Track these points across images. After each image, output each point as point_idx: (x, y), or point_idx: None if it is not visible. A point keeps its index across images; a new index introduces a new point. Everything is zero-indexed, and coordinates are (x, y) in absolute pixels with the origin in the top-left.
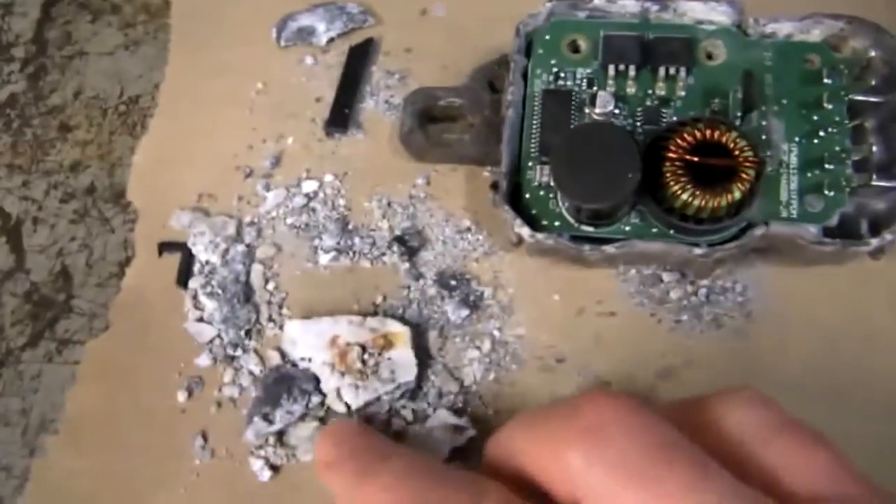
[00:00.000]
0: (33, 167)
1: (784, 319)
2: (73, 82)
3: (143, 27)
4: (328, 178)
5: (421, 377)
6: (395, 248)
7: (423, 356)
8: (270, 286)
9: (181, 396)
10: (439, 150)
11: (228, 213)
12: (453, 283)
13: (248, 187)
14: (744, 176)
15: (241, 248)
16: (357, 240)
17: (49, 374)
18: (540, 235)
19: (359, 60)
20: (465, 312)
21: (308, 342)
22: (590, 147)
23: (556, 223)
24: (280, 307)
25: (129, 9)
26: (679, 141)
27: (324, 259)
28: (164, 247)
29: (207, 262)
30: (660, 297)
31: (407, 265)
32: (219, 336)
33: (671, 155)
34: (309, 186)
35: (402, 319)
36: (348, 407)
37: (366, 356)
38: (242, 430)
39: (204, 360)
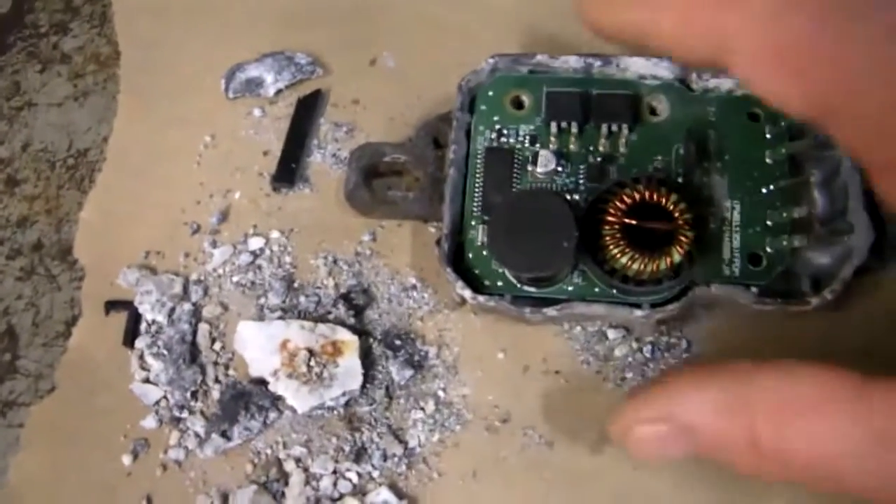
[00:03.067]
0: None
1: None
2: (21, 134)
3: (93, 77)
4: (274, 234)
5: (364, 443)
6: (340, 306)
7: (368, 415)
8: (217, 346)
9: (126, 460)
10: (384, 207)
11: (175, 271)
12: (398, 342)
13: (194, 244)
14: (682, 239)
15: (187, 306)
16: (302, 298)
17: None
18: (481, 298)
19: (306, 113)
20: (409, 373)
21: (258, 344)
22: (526, 215)
23: (499, 283)
24: (226, 368)
25: (78, 58)
26: (618, 203)
27: (269, 318)
28: (111, 305)
29: (154, 322)
30: (605, 354)
31: (353, 322)
32: (165, 397)
33: (610, 218)
34: (255, 243)
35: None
36: (294, 411)
37: (313, 361)
38: (188, 495)
39: (150, 423)
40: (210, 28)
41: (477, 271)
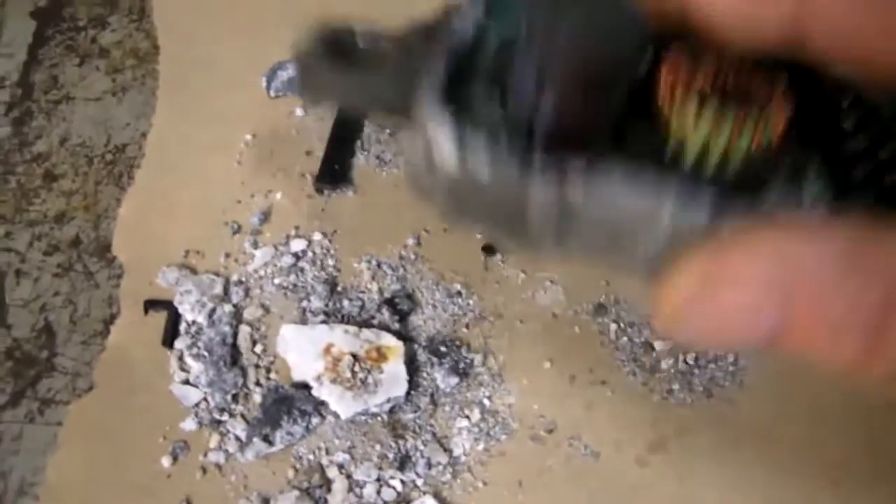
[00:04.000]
0: (17, 217)
1: (778, 389)
2: (58, 129)
3: (132, 72)
4: (317, 236)
5: (408, 448)
6: (384, 311)
7: (414, 422)
8: (258, 349)
9: (166, 462)
10: (344, 85)
11: (216, 271)
12: (443, 349)
13: (235, 244)
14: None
15: (228, 308)
16: (346, 302)
17: (30, 436)
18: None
19: (350, 114)
20: (454, 380)
21: (301, 347)
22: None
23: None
24: (268, 371)
25: (117, 53)
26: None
27: (312, 321)
28: (150, 305)
29: (194, 322)
30: (651, 365)
31: (397, 328)
32: (205, 399)
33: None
34: (297, 245)
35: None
36: (337, 416)
37: (357, 367)
38: (229, 499)
39: (189, 425)
40: (251, 23)
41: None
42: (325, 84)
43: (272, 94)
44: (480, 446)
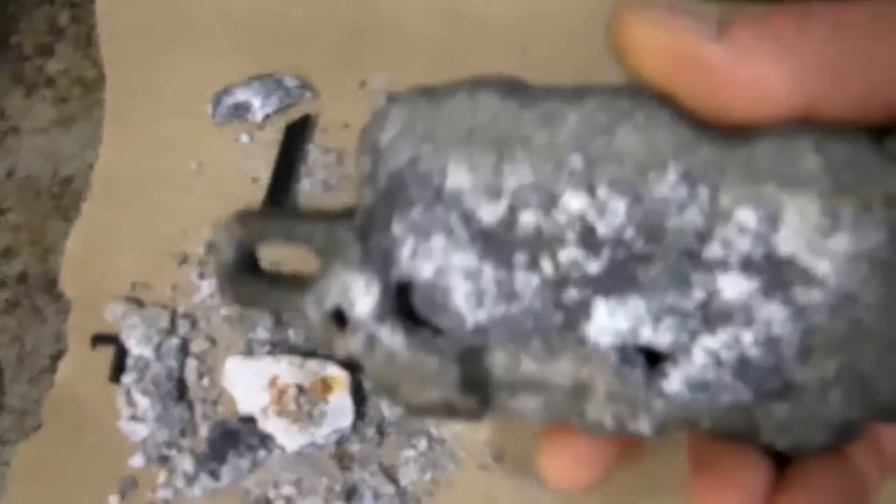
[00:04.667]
0: None
1: None
2: (5, 161)
3: (78, 102)
4: (263, 265)
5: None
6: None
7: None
8: (205, 382)
9: (114, 500)
10: (273, 299)
11: (162, 304)
12: None
13: (182, 275)
14: None
15: (174, 341)
16: (291, 332)
17: None
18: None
19: (295, 138)
20: (400, 409)
21: (247, 380)
22: None
23: None
24: (215, 404)
25: (63, 82)
26: None
27: (258, 353)
28: (98, 340)
29: (141, 357)
30: None
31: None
32: (152, 435)
33: None
34: None
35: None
36: (283, 450)
37: (302, 399)
38: None
39: (137, 461)
40: (197, 49)
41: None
42: (251, 294)
43: (217, 120)
44: (427, 476)
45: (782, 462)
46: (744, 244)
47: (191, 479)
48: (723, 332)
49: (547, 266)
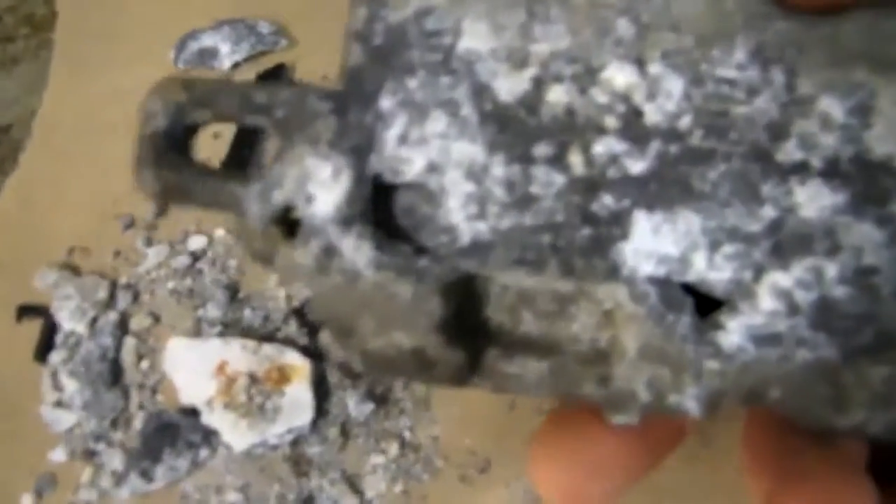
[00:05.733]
0: None
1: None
2: None
3: (24, 42)
4: (219, 233)
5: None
6: (292, 322)
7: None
8: (144, 365)
9: (27, 501)
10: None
11: (101, 272)
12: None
13: (126, 241)
14: None
15: (112, 316)
16: (248, 311)
17: None
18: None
19: None
20: (370, 407)
21: (191, 365)
22: None
23: None
24: (154, 392)
25: (9, 19)
26: None
27: (208, 333)
28: (24, 311)
29: (72, 333)
30: None
31: (306, 343)
32: (78, 425)
33: None
34: (196, 243)
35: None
36: (229, 449)
37: (255, 389)
38: None
39: (59, 455)
40: None
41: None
42: (179, 181)
43: (181, 67)
44: (398, 488)
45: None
46: (828, 142)
47: (119, 479)
48: (799, 265)
49: (576, 161)
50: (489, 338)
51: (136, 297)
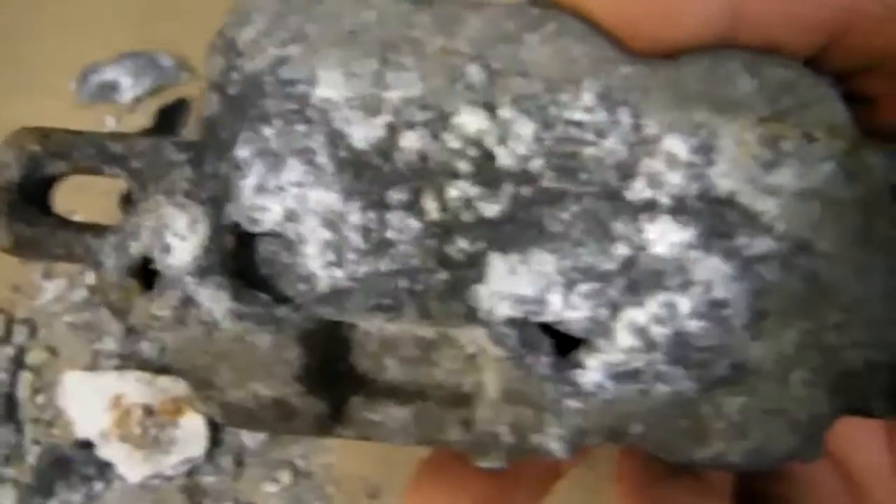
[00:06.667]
0: None
1: None
2: None
3: None
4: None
5: None
6: None
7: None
8: (40, 399)
9: None
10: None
11: None
12: None
13: (24, 275)
14: None
15: (8, 350)
16: (145, 344)
17: None
18: None
19: (167, 125)
20: (262, 436)
21: (86, 399)
22: None
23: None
24: (50, 426)
25: None
26: None
27: (105, 367)
28: None
29: None
30: None
31: None
32: None
33: None
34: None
35: None
36: (124, 481)
37: (150, 421)
38: None
39: None
40: (62, 18)
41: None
42: (33, 233)
43: (82, 100)
44: None
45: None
46: (675, 180)
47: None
48: (653, 301)
49: (431, 206)
50: (353, 386)
51: (32, 331)
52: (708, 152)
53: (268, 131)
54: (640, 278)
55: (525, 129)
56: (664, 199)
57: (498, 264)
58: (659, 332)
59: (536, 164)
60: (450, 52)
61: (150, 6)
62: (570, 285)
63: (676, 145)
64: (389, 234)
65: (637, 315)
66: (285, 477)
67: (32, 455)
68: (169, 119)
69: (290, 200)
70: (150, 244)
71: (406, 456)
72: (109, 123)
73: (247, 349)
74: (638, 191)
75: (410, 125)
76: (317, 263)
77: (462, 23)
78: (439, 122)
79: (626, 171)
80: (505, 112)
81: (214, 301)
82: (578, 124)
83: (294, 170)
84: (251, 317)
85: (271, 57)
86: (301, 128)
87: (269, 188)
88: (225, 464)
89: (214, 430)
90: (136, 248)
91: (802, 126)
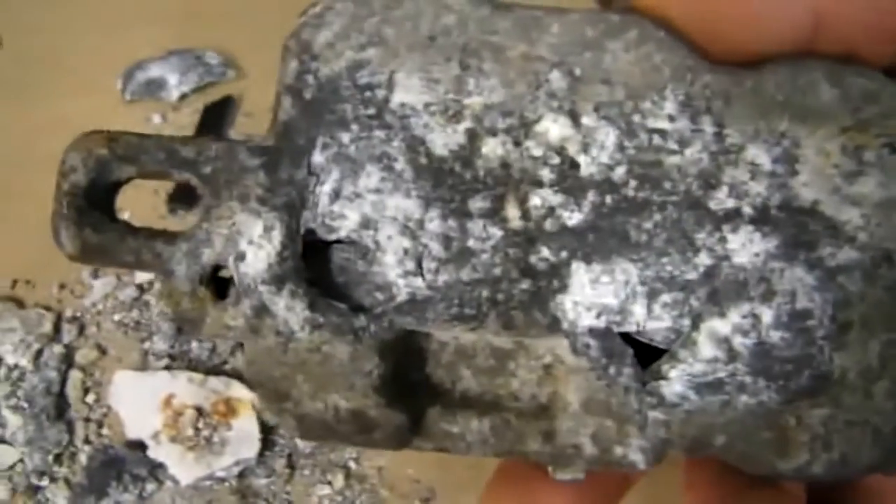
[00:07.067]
0: None
1: None
2: None
3: None
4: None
5: None
6: (239, 355)
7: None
8: (90, 399)
9: None
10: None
11: (46, 305)
12: None
13: (72, 273)
14: None
15: (57, 349)
16: (195, 344)
17: None
18: None
19: (214, 122)
20: None
21: (137, 398)
22: None
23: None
24: (100, 426)
25: None
26: None
27: (154, 367)
28: None
29: (15, 366)
30: None
31: None
32: (21, 461)
33: None
34: (143, 275)
35: None
36: (176, 482)
37: (201, 423)
38: None
39: (0, 493)
40: (107, 17)
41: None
42: (101, 239)
43: (128, 97)
44: None
45: None
46: (758, 190)
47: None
48: (736, 312)
49: (513, 215)
50: (429, 397)
51: (81, 329)
52: (790, 162)
53: (345, 137)
54: (723, 288)
55: (608, 137)
56: (747, 209)
57: (581, 274)
58: (741, 343)
59: (619, 173)
60: (531, 59)
61: (195, 4)
62: (653, 295)
63: (759, 155)
64: (471, 243)
65: (719, 325)
66: (338, 479)
67: (84, 455)
68: (215, 116)
69: (368, 207)
70: (223, 252)
71: (459, 459)
72: (155, 121)
73: (324, 360)
74: (721, 200)
75: (492, 132)
76: (395, 272)
77: (543, 28)
78: (521, 129)
79: (709, 181)
80: (588, 119)
81: (290, 310)
82: (661, 133)
83: (372, 176)
84: (328, 326)
85: (348, 60)
86: (379, 133)
87: (345, 195)
88: (277, 466)
89: (266, 431)
90: (208, 256)
91: (885, 136)
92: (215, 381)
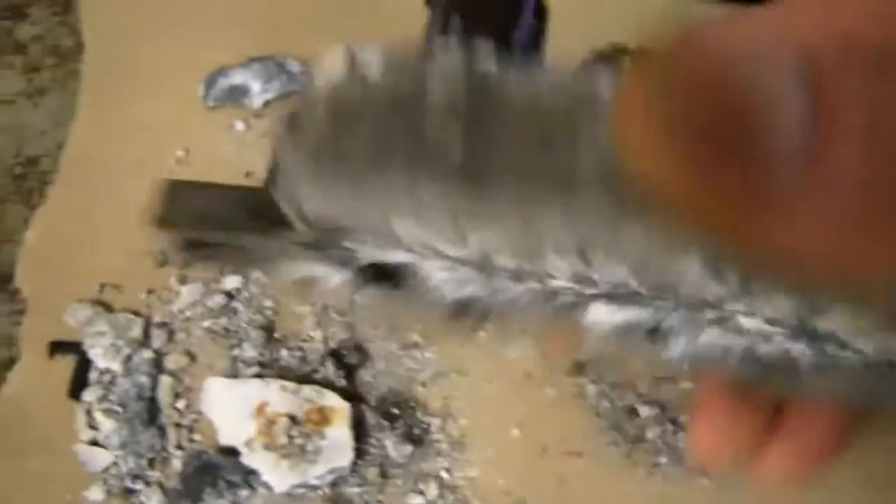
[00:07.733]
0: None
1: None
2: None
3: (51, 72)
4: (254, 272)
5: None
6: (329, 364)
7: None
8: (181, 404)
9: None
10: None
11: (135, 310)
12: (396, 411)
13: (159, 278)
14: None
15: (147, 354)
16: (284, 352)
17: None
18: None
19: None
20: (408, 448)
21: (230, 405)
22: None
23: None
24: (191, 431)
25: (35, 49)
26: None
27: (244, 374)
28: (56, 347)
29: (107, 370)
30: (635, 434)
31: (343, 384)
32: (115, 464)
33: None
34: (231, 282)
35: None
36: (269, 489)
37: (295, 431)
38: None
39: (95, 494)
40: (191, 23)
41: None
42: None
43: (210, 103)
44: None
45: None
46: None
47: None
48: None
49: (535, 286)
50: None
51: (170, 335)
52: None
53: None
54: None
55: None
56: None
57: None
58: None
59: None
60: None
61: (276, 11)
62: None
63: None
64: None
65: None
66: (430, 489)
67: (177, 459)
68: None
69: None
70: None
71: (548, 470)
72: (239, 127)
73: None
74: None
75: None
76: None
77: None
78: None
79: None
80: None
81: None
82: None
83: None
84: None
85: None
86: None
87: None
88: (370, 475)
89: (359, 441)
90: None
91: None
92: (308, 390)
